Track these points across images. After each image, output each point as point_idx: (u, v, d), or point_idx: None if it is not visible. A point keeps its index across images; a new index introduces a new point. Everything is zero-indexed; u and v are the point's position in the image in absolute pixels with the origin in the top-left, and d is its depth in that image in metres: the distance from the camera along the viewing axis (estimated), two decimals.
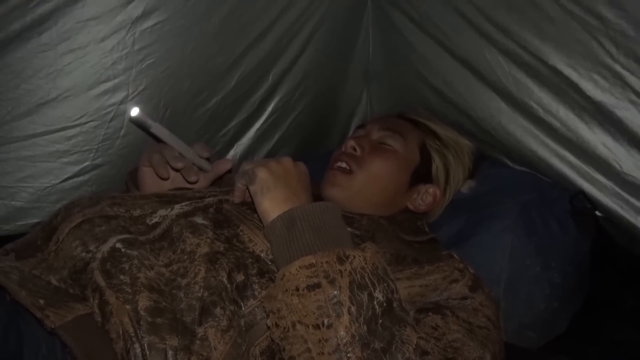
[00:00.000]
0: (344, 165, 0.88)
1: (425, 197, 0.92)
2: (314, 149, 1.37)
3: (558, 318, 0.91)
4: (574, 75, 0.89)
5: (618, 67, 0.83)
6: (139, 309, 0.56)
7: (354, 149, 0.89)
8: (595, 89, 0.88)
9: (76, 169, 0.91)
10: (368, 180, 0.87)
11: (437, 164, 0.93)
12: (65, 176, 0.91)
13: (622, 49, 0.81)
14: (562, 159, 0.98)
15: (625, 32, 0.79)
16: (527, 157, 1.03)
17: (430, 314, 0.66)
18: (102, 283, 0.58)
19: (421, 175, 0.92)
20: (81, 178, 0.93)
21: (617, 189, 0.93)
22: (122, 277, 0.59)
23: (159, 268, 0.63)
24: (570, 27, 0.85)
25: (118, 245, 0.62)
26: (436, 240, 0.87)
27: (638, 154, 0.88)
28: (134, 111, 0.73)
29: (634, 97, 0.84)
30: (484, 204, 0.98)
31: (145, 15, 0.85)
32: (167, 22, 0.88)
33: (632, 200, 0.91)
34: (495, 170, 1.07)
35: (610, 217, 0.95)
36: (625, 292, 0.93)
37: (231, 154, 1.19)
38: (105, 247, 0.62)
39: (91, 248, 0.62)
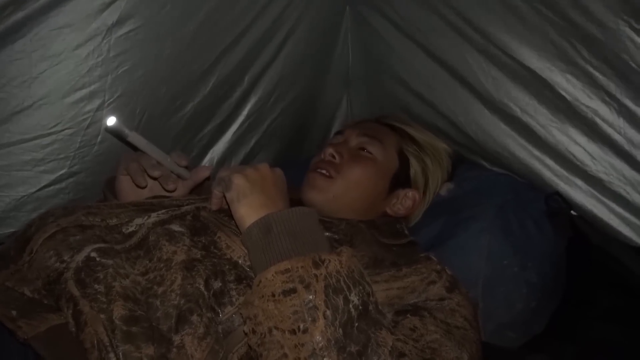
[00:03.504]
0: (323, 171, 0.88)
1: (405, 201, 0.94)
2: (294, 154, 1.38)
3: (536, 317, 0.92)
4: (549, 76, 0.91)
5: (590, 68, 0.85)
6: (113, 318, 0.56)
7: (333, 156, 0.89)
8: (569, 89, 0.90)
9: (52, 177, 0.90)
10: (347, 187, 0.88)
11: (415, 169, 0.94)
12: (42, 185, 0.90)
13: (592, 51, 0.83)
14: (539, 160, 1.00)
15: (594, 35, 0.80)
16: (505, 159, 1.05)
17: (408, 315, 0.66)
18: (76, 293, 0.58)
19: (400, 180, 0.93)
20: (58, 186, 0.91)
21: (590, 188, 0.95)
22: (96, 286, 0.59)
23: (135, 277, 0.62)
24: (544, 30, 0.87)
25: (93, 254, 0.62)
26: (415, 243, 0.88)
27: (610, 152, 0.90)
28: (110, 121, 0.72)
29: (606, 97, 0.86)
30: (462, 206, 0.99)
31: (120, 22, 0.85)
32: (142, 28, 0.87)
33: (604, 199, 0.93)
34: (473, 173, 1.08)
35: (585, 216, 0.97)
36: (600, 290, 0.94)
37: (207, 158, 1.19)
38: (80, 257, 0.61)
39: (65, 258, 0.62)
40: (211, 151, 1.19)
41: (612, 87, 0.84)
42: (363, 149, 0.92)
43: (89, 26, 0.83)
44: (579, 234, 0.98)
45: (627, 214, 0.92)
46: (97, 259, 0.61)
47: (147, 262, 0.65)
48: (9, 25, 0.77)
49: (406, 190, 0.94)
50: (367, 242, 0.80)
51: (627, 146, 0.86)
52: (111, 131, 0.75)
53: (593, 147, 0.92)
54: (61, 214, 0.68)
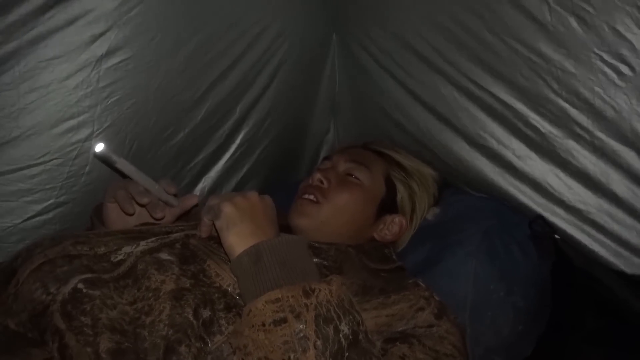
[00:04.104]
0: (311, 197, 0.89)
1: (392, 226, 0.95)
2: (283, 179, 1.38)
3: (523, 341, 0.92)
4: (522, 109, 0.93)
5: (561, 101, 0.87)
6: (99, 351, 0.55)
7: (321, 182, 0.91)
8: (542, 122, 0.92)
9: (39, 207, 0.89)
10: (334, 212, 0.89)
11: (402, 194, 0.96)
12: (28, 215, 0.89)
13: (563, 84, 0.85)
14: (518, 189, 1.01)
15: (565, 68, 0.83)
16: (485, 188, 1.06)
17: (397, 343, 0.67)
18: (62, 326, 0.57)
19: (387, 206, 0.94)
20: (44, 217, 0.90)
21: (570, 217, 0.95)
22: (83, 318, 0.58)
23: (123, 307, 0.62)
24: (517, 64, 0.90)
25: (80, 285, 0.61)
26: (403, 269, 0.89)
27: (586, 184, 0.91)
28: (99, 147, 0.73)
29: (577, 129, 0.88)
30: (448, 231, 1.00)
31: (110, 53, 0.85)
32: (132, 59, 0.88)
33: (585, 227, 0.94)
34: (459, 197, 1.09)
35: (567, 241, 0.98)
36: (585, 312, 0.95)
37: (199, 187, 1.18)
38: (67, 289, 0.61)
39: (52, 290, 0.61)
40: (203, 179, 1.19)
41: (584, 119, 0.86)
42: (350, 174, 0.93)
43: (79, 57, 0.83)
44: (563, 257, 0.99)
45: (608, 241, 0.93)
46: (84, 290, 0.61)
47: (136, 291, 0.64)
48: None
49: (393, 215, 0.95)
50: (356, 268, 0.80)
51: (601, 178, 0.88)
52: (99, 157, 0.75)
53: (568, 179, 0.93)
54: (48, 245, 0.67)
